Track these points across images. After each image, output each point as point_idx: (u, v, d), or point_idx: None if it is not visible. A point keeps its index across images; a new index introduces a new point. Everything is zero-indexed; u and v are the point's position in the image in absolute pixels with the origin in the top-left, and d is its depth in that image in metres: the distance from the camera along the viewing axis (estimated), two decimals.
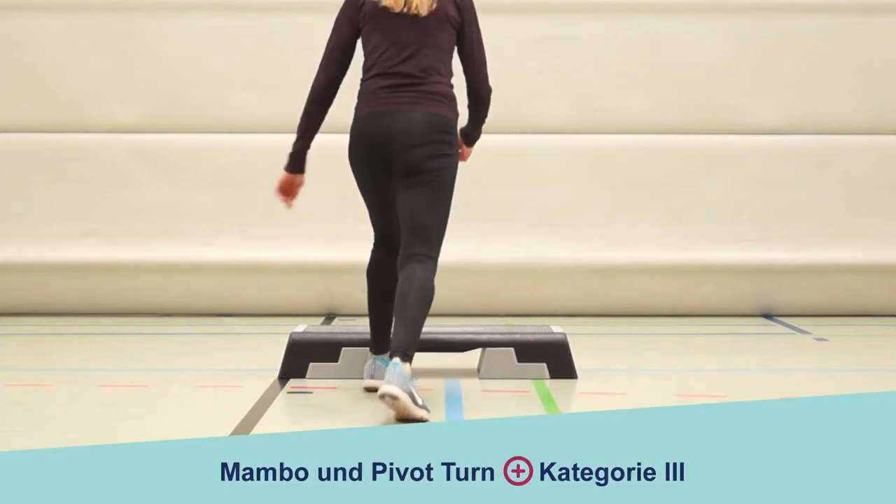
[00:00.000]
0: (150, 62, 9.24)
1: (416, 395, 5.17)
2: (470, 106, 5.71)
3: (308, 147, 5.80)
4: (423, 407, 5.15)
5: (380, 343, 5.84)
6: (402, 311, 5.32)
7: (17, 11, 9.23)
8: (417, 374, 5.60)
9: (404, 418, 5.13)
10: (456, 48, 5.60)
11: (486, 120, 5.84)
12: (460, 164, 5.64)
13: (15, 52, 9.20)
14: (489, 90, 5.66)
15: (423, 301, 5.35)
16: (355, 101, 5.65)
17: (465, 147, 5.82)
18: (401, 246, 5.50)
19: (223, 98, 9.24)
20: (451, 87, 5.58)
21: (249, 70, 9.25)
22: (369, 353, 5.92)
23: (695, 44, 9.27)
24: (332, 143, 9.29)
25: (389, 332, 5.72)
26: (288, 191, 5.87)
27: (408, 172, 5.46)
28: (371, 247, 5.83)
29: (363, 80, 5.64)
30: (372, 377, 5.82)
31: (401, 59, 5.50)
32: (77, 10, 9.22)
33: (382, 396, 5.09)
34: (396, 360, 5.17)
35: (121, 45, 9.23)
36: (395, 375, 5.10)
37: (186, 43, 9.24)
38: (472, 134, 5.80)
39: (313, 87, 5.72)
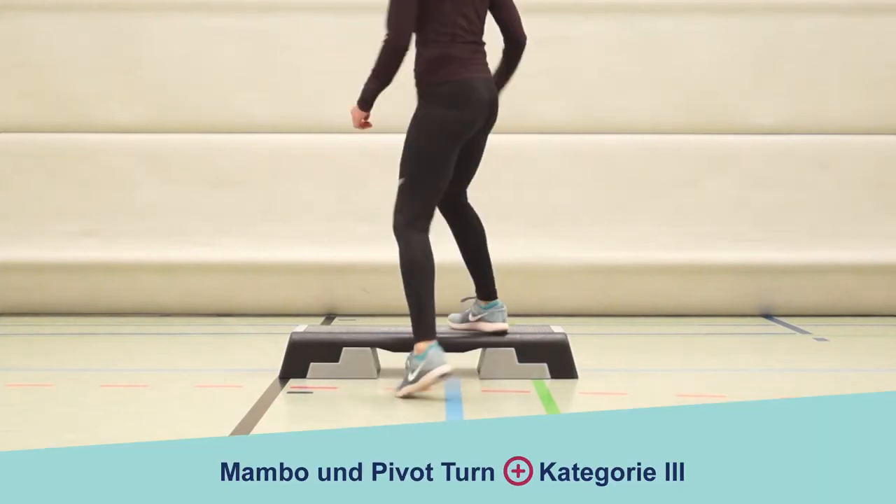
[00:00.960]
0: (150, 62, 9.24)
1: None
2: (508, 58, 5.97)
3: (380, 93, 5.84)
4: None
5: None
6: (487, 257, 6.24)
7: (17, 11, 9.23)
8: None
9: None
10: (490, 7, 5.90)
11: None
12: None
13: (15, 52, 9.20)
14: (526, 39, 5.96)
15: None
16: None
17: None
18: (456, 200, 6.05)
19: (223, 98, 9.24)
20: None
21: (249, 70, 9.25)
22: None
23: (695, 44, 9.27)
24: (332, 144, 9.32)
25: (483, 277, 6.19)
26: (360, 124, 5.94)
27: (486, 130, 5.95)
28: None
29: (439, 42, 5.75)
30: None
31: (474, 24, 5.80)
32: (77, 10, 9.22)
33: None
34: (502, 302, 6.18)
35: (121, 45, 9.23)
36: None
37: (186, 43, 9.24)
38: (502, 83, 6.01)
39: (388, 51, 5.70)
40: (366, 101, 5.80)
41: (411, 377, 5.68)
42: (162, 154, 9.25)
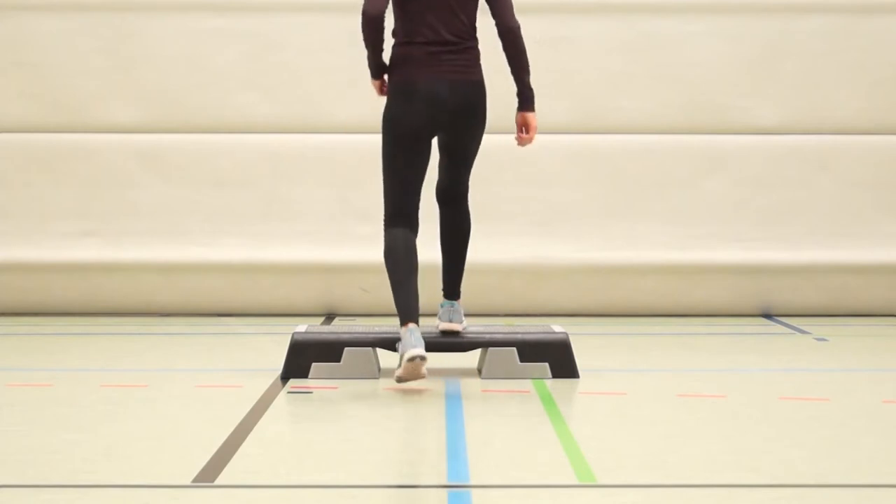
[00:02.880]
0: (150, 62, 9.23)
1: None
2: (504, 45, 6.01)
3: (381, 58, 5.99)
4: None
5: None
6: (462, 251, 6.42)
7: (17, 11, 9.22)
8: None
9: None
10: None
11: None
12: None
13: (15, 52, 9.19)
14: (518, 25, 5.99)
15: (468, 240, 6.37)
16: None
17: (527, 116, 6.19)
18: (444, 193, 6.18)
19: (223, 98, 9.23)
20: None
21: (249, 70, 9.24)
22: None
23: (695, 44, 9.27)
24: (331, 144, 9.32)
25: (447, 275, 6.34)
26: (380, 91, 6.10)
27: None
28: (381, 255, 5.99)
29: (399, 44, 5.94)
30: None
31: (450, 27, 5.90)
32: (77, 10, 9.21)
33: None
34: (456, 303, 6.32)
35: (121, 45, 9.22)
36: (456, 318, 6.29)
37: (186, 43, 9.24)
38: (525, 92, 6.12)
39: (364, 21, 5.86)
40: (371, 72, 6.01)
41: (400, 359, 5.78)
42: (162, 154, 9.24)
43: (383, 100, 6.10)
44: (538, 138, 9.19)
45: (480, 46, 6.03)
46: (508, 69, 6.05)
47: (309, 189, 9.23)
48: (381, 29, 5.85)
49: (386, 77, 6.02)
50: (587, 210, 9.25)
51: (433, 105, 5.87)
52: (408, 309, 5.83)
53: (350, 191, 9.20)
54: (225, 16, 9.25)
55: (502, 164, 9.07)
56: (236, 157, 9.26)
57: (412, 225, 5.99)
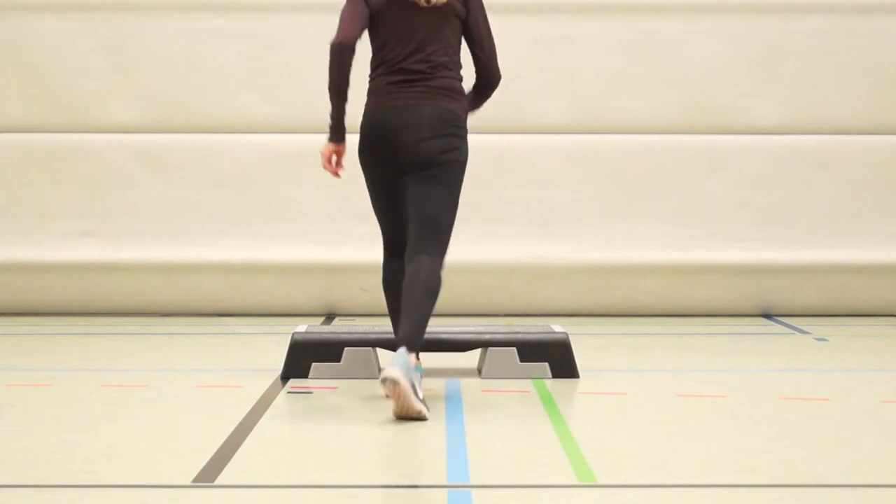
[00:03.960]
0: (150, 62, 9.23)
1: (417, 388, 5.21)
2: (477, 89, 5.70)
3: (344, 112, 5.55)
4: (423, 402, 5.17)
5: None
6: (408, 301, 5.36)
7: (17, 11, 9.22)
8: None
9: (403, 412, 5.15)
10: (464, 39, 5.62)
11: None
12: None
13: (15, 52, 9.20)
14: (499, 78, 5.68)
15: (430, 293, 5.40)
16: (352, 92, 5.59)
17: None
18: (409, 241, 5.50)
19: (223, 98, 9.24)
20: (460, 80, 5.58)
21: (249, 70, 9.24)
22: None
23: (694, 44, 9.27)
24: None
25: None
26: (334, 162, 5.65)
27: (417, 167, 5.47)
28: (381, 255, 5.78)
29: (372, 77, 5.62)
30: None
31: (407, 53, 5.51)
32: (77, 10, 9.22)
33: (384, 380, 5.10)
34: (402, 349, 5.22)
35: (121, 45, 9.22)
36: (398, 363, 5.14)
37: (186, 43, 9.24)
38: (470, 108, 5.70)
39: (332, 51, 5.46)
40: (330, 127, 5.54)
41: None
42: (162, 154, 9.25)
43: None
44: (538, 138, 9.29)
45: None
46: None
47: (309, 189, 9.23)
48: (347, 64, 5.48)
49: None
50: (587, 210, 9.25)
51: (383, 132, 5.56)
52: (397, 334, 5.50)
53: (350, 191, 9.17)
54: (225, 16, 9.25)
55: (502, 164, 9.07)
56: (236, 157, 9.26)
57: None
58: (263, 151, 9.25)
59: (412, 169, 5.50)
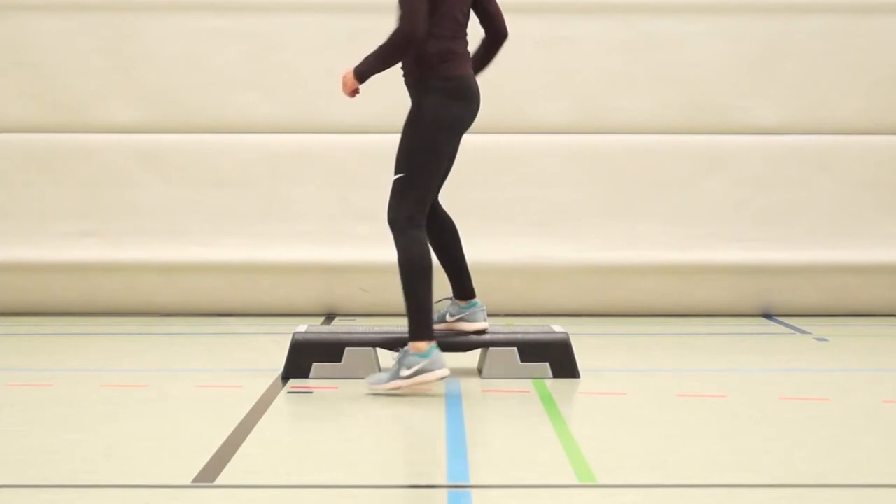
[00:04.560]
0: (150, 62, 9.23)
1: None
2: (490, 49, 6.05)
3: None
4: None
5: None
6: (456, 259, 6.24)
7: (17, 11, 9.22)
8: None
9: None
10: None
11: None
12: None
13: (15, 52, 9.19)
14: (507, 33, 6.11)
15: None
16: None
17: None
18: (434, 204, 5.96)
19: (223, 98, 9.23)
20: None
21: (249, 70, 9.24)
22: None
23: (695, 44, 9.27)
24: (331, 144, 9.32)
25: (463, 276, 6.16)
26: (351, 92, 5.89)
27: None
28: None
29: (439, 37, 5.78)
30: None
31: (462, 24, 5.88)
32: (77, 10, 9.21)
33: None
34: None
35: (121, 45, 9.22)
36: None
37: (186, 43, 9.24)
38: (480, 68, 6.06)
39: (401, 41, 5.69)
40: (363, 75, 5.78)
41: (405, 373, 5.70)
42: (162, 154, 9.24)
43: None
44: (538, 138, 9.28)
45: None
46: (506, 68, 6.08)
47: (309, 189, 9.23)
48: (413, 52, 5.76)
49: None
50: (587, 210, 9.25)
51: (478, 103, 5.91)
52: (432, 323, 5.83)
53: (350, 191, 9.20)
54: (225, 16, 9.25)
55: (502, 164, 9.07)
56: (236, 157, 9.26)
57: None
58: (263, 151, 9.24)
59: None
